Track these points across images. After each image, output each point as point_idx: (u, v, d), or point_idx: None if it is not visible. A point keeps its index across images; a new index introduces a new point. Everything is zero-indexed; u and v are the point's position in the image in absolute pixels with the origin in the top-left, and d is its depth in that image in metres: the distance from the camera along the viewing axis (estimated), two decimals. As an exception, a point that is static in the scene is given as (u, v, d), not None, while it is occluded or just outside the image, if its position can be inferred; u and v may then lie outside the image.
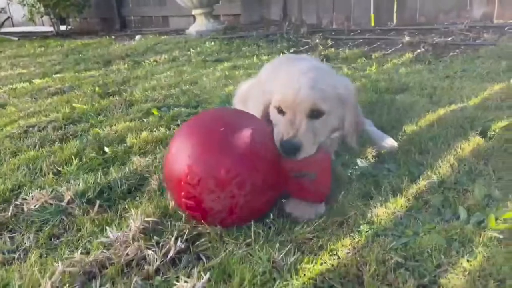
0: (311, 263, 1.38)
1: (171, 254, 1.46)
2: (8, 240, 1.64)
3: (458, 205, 1.58)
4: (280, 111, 1.69)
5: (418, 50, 4.26)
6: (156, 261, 1.43)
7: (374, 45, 4.84)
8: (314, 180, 1.59)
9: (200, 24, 6.96)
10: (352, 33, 5.65)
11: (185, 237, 1.54)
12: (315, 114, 1.67)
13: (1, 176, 2.14)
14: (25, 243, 1.61)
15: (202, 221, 1.56)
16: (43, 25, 9.82)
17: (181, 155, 1.51)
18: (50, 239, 1.65)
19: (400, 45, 4.66)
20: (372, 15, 6.06)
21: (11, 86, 4.13)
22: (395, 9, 5.89)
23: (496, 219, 1.46)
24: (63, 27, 9.03)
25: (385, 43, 4.89)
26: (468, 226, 1.46)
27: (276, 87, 1.77)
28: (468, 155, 1.94)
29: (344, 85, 1.81)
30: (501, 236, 1.40)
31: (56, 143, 2.52)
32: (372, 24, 6.06)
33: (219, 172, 1.44)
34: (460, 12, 5.47)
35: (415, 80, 3.18)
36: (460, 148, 1.99)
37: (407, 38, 4.72)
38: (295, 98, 1.65)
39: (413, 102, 2.68)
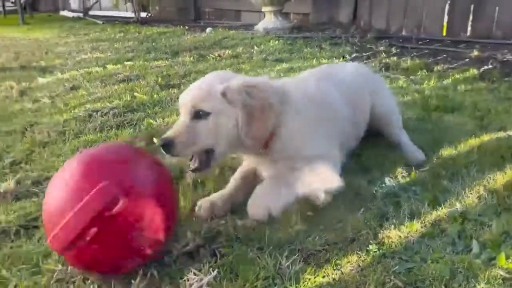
0: (314, 274, 1.47)
1: (189, 247, 1.61)
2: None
3: (474, 238, 1.58)
4: None
5: (485, 67, 4.07)
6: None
7: (439, 57, 4.67)
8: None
9: (268, 21, 7.08)
10: (420, 42, 5.48)
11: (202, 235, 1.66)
12: (199, 114, 1.71)
13: (63, 154, 2.42)
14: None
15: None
16: (127, 11, 10.46)
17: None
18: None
19: (467, 60, 4.47)
20: (445, 25, 5.82)
21: (87, 70, 4.53)
22: (470, 20, 5.61)
23: (507, 257, 1.44)
24: (143, 14, 9.59)
25: (451, 56, 4.71)
26: (477, 261, 1.46)
27: None
28: (499, 188, 1.89)
29: (235, 87, 1.73)
30: (507, 276, 1.39)
31: (114, 129, 2.79)
32: (444, 34, 5.82)
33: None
34: (542, 27, 5.10)
35: (471, 100, 3.07)
36: (493, 179, 1.95)
37: (476, 52, 4.51)
38: (180, 100, 1.78)
39: (460, 124, 2.62)
